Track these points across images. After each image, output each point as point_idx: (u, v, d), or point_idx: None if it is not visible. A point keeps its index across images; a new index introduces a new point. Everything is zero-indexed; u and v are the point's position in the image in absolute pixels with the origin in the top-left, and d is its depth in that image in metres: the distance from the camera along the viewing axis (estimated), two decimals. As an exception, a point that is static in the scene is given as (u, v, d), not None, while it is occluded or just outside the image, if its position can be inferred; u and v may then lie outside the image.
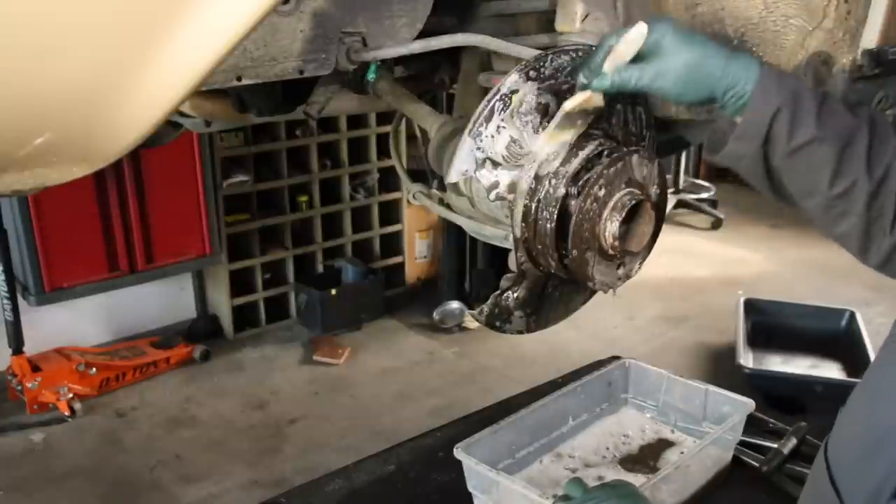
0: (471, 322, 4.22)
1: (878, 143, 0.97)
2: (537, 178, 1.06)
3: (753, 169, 1.02)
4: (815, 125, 0.97)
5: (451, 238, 4.49)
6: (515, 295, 1.14)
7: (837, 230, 1.02)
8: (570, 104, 1.02)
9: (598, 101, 1.03)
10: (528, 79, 1.04)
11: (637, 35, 0.97)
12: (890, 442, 0.81)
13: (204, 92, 1.42)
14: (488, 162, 1.04)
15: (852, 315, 3.65)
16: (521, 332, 1.20)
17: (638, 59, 0.99)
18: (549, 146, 1.05)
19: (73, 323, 3.88)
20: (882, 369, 0.94)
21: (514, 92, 1.04)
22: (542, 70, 1.05)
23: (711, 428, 1.68)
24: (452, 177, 1.06)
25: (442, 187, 1.33)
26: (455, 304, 4.39)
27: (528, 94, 1.04)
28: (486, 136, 1.03)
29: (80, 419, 3.46)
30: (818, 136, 0.97)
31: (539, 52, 1.08)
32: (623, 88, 1.00)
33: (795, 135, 0.97)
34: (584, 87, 1.02)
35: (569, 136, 1.06)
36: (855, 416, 0.91)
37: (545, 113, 1.05)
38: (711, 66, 0.98)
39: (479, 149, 1.03)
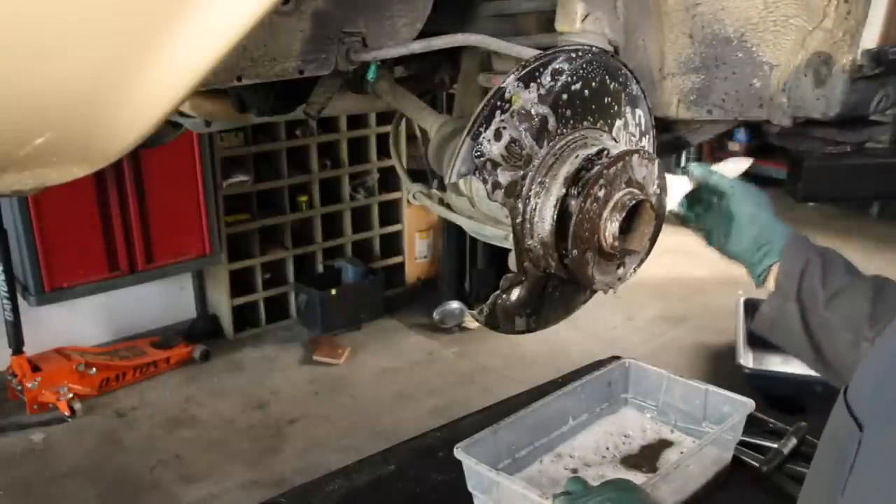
0: (471, 322, 4.22)
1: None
2: (538, 178, 1.06)
3: (794, 332, 1.14)
4: (846, 272, 1.13)
5: (451, 238, 4.50)
6: (515, 295, 1.14)
7: None
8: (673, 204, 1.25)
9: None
10: (527, 81, 1.04)
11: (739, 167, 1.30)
12: None
13: (204, 92, 1.42)
14: (488, 162, 1.04)
15: (852, 315, 3.64)
16: (521, 333, 1.20)
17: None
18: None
19: (73, 323, 3.88)
20: None
21: (513, 94, 1.03)
22: (540, 73, 1.05)
23: (711, 428, 1.68)
24: (452, 177, 1.05)
25: (442, 187, 1.33)
26: (455, 304, 4.39)
27: (527, 99, 1.04)
28: (486, 137, 1.03)
29: (80, 419, 3.46)
30: (852, 282, 1.12)
31: (539, 52, 1.08)
32: (714, 187, 1.26)
33: (830, 283, 1.13)
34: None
35: None
36: (875, 359, 0.91)
37: (544, 123, 1.05)
38: (763, 220, 1.22)
39: (478, 149, 1.03)
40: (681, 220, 1.33)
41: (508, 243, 1.12)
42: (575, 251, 1.05)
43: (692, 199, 1.29)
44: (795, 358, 1.21)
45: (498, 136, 1.03)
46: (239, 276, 4.20)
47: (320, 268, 4.50)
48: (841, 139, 1.23)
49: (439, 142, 1.30)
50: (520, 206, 1.07)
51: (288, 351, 4.14)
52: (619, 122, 1.14)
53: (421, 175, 1.53)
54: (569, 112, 1.07)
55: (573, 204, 1.04)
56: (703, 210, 1.29)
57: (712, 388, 1.72)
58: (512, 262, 1.11)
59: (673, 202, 1.25)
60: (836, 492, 0.76)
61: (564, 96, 1.06)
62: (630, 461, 1.68)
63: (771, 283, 1.21)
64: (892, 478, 0.70)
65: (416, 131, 1.53)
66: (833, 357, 1.12)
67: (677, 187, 1.26)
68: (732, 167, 1.29)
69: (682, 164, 1.32)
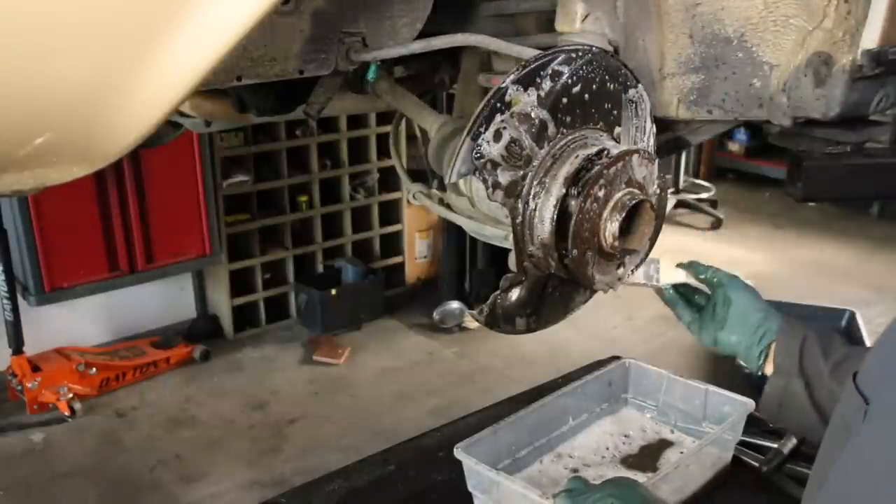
0: (471, 322, 4.22)
1: None
2: (537, 178, 1.06)
3: (802, 409, 1.18)
4: (843, 343, 1.17)
5: (451, 238, 4.50)
6: (515, 295, 1.14)
7: None
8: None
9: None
10: (527, 82, 1.04)
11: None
12: None
13: (204, 92, 1.42)
14: (488, 163, 1.04)
15: (852, 315, 3.64)
16: (521, 333, 1.20)
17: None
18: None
19: (73, 323, 3.88)
20: None
21: (513, 98, 1.04)
22: (540, 73, 1.05)
23: (711, 428, 1.68)
24: (452, 177, 1.05)
25: (442, 187, 1.33)
26: (455, 304, 4.39)
27: (526, 100, 1.04)
28: (486, 138, 1.03)
29: (80, 419, 3.46)
30: (852, 350, 1.15)
31: (539, 52, 1.08)
32: (710, 280, 1.36)
33: (830, 353, 1.16)
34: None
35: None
36: (883, 345, 0.93)
37: (543, 126, 1.05)
38: (759, 305, 1.29)
39: (478, 149, 1.03)
40: (671, 306, 1.42)
41: (508, 243, 1.12)
42: (575, 251, 1.05)
43: (685, 290, 1.40)
44: (808, 437, 1.25)
45: (498, 136, 1.03)
46: (239, 276, 4.20)
47: (320, 268, 4.50)
48: (841, 139, 1.23)
49: (439, 142, 1.30)
50: (520, 206, 1.07)
51: (288, 351, 4.14)
52: (619, 122, 1.14)
53: (421, 175, 1.53)
54: (568, 113, 1.07)
55: (573, 204, 1.04)
56: (695, 304, 1.39)
57: (712, 388, 1.72)
58: (512, 262, 1.11)
59: (665, 282, 1.37)
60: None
61: (564, 97, 1.06)
62: (630, 461, 1.68)
63: (769, 367, 1.25)
64: (892, 438, 0.73)
65: (416, 131, 1.53)
66: None
67: (672, 273, 1.38)
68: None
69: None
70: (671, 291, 1.40)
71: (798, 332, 1.23)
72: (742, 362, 1.34)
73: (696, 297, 1.40)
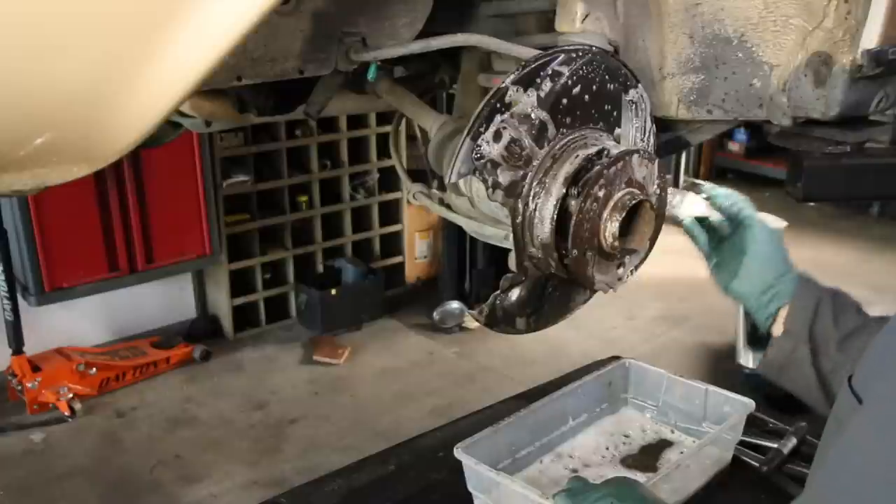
0: (471, 322, 4.22)
1: None
2: (537, 179, 1.06)
3: (805, 377, 1.14)
4: (856, 312, 1.12)
5: (451, 238, 4.50)
6: (515, 295, 1.14)
7: None
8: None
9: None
10: (527, 82, 1.04)
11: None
12: None
13: (204, 92, 1.42)
14: (488, 162, 1.04)
15: (852, 315, 3.64)
16: (521, 333, 1.20)
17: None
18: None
19: (73, 323, 3.88)
20: None
21: (513, 100, 1.04)
22: (539, 74, 1.05)
23: (711, 428, 1.68)
24: (452, 177, 1.05)
25: (442, 187, 1.33)
26: (455, 304, 4.39)
27: (525, 100, 1.04)
28: (486, 138, 1.03)
29: (80, 419, 3.46)
30: (863, 323, 1.10)
31: (539, 52, 1.08)
32: (736, 216, 1.25)
33: (842, 323, 1.11)
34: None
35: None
36: (877, 347, 0.92)
37: (543, 127, 1.05)
38: (777, 262, 1.21)
39: (478, 150, 1.03)
40: (690, 236, 1.30)
41: (508, 243, 1.12)
42: (575, 251, 1.04)
43: (706, 223, 1.27)
44: (806, 402, 1.19)
45: (498, 136, 1.03)
46: (239, 276, 4.20)
47: (320, 268, 4.50)
48: (841, 139, 1.23)
49: (439, 142, 1.30)
50: (520, 206, 1.07)
51: (288, 351, 4.14)
52: (619, 122, 1.14)
53: (421, 175, 1.53)
54: (568, 113, 1.07)
55: (573, 204, 1.04)
56: (716, 239, 1.27)
57: (712, 388, 1.72)
58: (512, 262, 1.11)
59: (685, 213, 1.24)
60: None
61: (564, 97, 1.06)
62: (630, 461, 1.68)
63: (778, 327, 1.20)
64: (882, 433, 0.73)
65: (416, 131, 1.53)
66: None
67: (691, 203, 1.25)
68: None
69: (696, 182, 1.28)
70: (690, 221, 1.27)
71: (812, 295, 1.17)
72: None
73: (720, 225, 1.28)
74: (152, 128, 0.90)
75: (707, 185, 1.29)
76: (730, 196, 1.27)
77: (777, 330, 1.20)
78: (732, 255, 1.24)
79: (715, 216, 1.26)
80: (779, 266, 1.21)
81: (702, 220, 1.27)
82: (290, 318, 4.42)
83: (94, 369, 3.60)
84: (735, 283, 1.24)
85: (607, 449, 1.73)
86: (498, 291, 1.12)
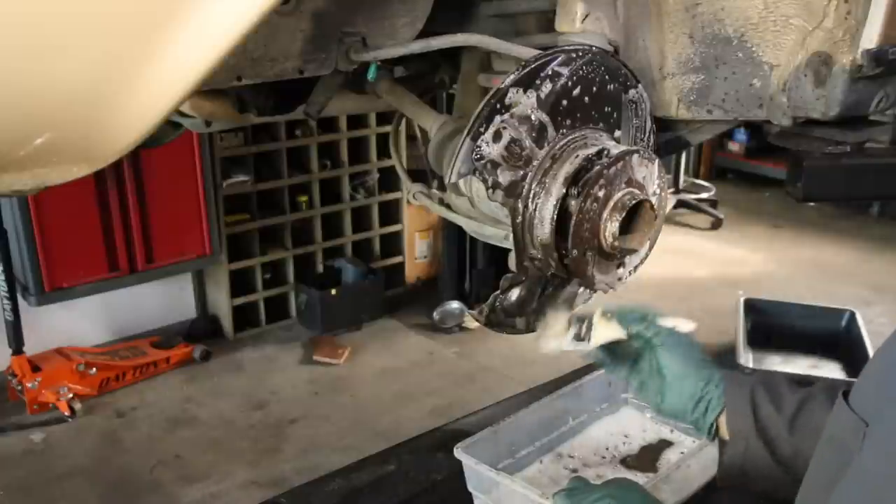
0: (471, 322, 4.22)
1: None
2: (537, 179, 1.06)
3: (768, 470, 1.11)
4: (789, 389, 1.11)
5: (451, 238, 4.49)
6: (515, 295, 1.14)
7: None
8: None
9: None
10: (527, 82, 1.04)
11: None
12: None
13: (204, 92, 1.42)
14: (488, 163, 1.04)
15: (852, 315, 3.64)
16: (521, 333, 1.20)
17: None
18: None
19: (73, 323, 3.88)
20: None
21: (513, 101, 1.04)
22: (539, 74, 1.05)
23: (711, 428, 1.68)
24: (452, 177, 1.06)
25: (442, 187, 1.33)
26: (455, 304, 4.39)
27: (525, 101, 1.04)
28: (486, 138, 1.03)
29: (80, 419, 3.46)
30: (803, 397, 1.10)
31: (539, 52, 1.08)
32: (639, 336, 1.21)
33: (783, 406, 1.10)
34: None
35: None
36: (877, 363, 0.91)
37: (543, 127, 1.05)
38: (693, 374, 1.18)
39: (478, 150, 1.03)
40: (602, 367, 1.27)
41: (508, 243, 1.12)
42: (575, 251, 1.05)
43: (619, 348, 1.23)
44: (777, 497, 1.12)
45: (497, 136, 1.03)
46: (239, 276, 4.20)
47: (320, 268, 4.49)
48: (841, 139, 1.23)
49: (439, 142, 1.30)
50: (520, 206, 1.07)
51: (288, 351, 4.14)
52: (619, 122, 1.14)
53: (421, 175, 1.53)
54: (568, 113, 1.07)
55: (573, 204, 1.04)
56: (632, 360, 1.24)
57: (712, 388, 1.72)
58: (512, 262, 1.11)
59: (601, 340, 1.19)
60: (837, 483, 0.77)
61: (564, 98, 1.06)
62: (630, 461, 1.69)
63: (724, 432, 1.16)
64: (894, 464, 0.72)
65: (416, 131, 1.53)
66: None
67: (605, 329, 1.19)
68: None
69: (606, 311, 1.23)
70: (601, 355, 1.24)
71: (744, 392, 1.14)
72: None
73: (634, 348, 1.23)
74: (152, 128, 0.90)
75: (613, 306, 1.24)
76: (638, 313, 1.23)
77: (724, 435, 1.16)
78: (652, 375, 1.21)
79: (626, 335, 1.22)
80: (701, 375, 1.18)
81: (615, 344, 1.23)
82: (290, 318, 4.42)
83: (94, 369, 3.59)
84: (664, 405, 1.20)
85: (607, 449, 1.73)
86: (498, 291, 1.13)
